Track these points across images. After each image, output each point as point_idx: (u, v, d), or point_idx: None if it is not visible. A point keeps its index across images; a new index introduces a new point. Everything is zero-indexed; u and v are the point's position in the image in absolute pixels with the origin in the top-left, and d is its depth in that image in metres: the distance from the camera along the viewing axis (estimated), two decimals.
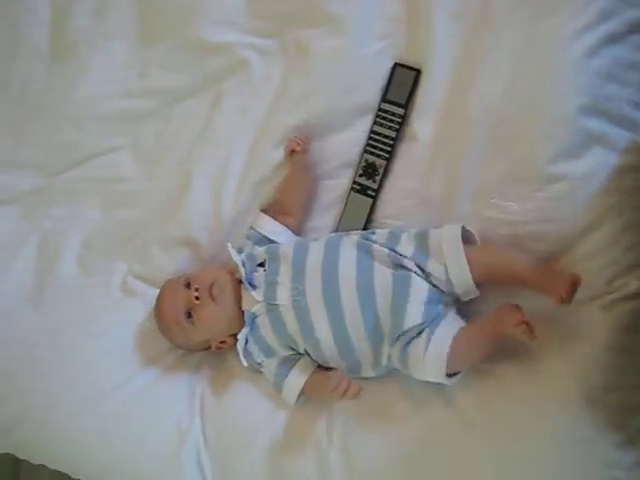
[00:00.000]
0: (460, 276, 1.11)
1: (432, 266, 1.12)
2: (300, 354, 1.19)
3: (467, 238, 1.14)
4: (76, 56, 1.38)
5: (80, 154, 1.38)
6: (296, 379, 1.17)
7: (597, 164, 1.09)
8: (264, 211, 1.27)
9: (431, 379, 1.10)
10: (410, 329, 1.10)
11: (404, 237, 1.16)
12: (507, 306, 1.08)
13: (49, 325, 1.30)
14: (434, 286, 1.13)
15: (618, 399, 1.06)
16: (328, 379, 1.12)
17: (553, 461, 1.05)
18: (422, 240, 1.14)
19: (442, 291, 1.13)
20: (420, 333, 1.10)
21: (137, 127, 1.36)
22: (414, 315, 1.10)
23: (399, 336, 1.11)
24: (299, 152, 1.24)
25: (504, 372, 1.12)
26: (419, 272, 1.12)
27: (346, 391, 1.09)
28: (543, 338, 1.10)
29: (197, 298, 1.18)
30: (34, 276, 1.35)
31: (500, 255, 1.13)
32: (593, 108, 1.08)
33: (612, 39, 1.08)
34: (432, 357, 1.07)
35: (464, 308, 1.17)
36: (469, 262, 1.10)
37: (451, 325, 1.11)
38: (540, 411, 1.08)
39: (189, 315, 1.19)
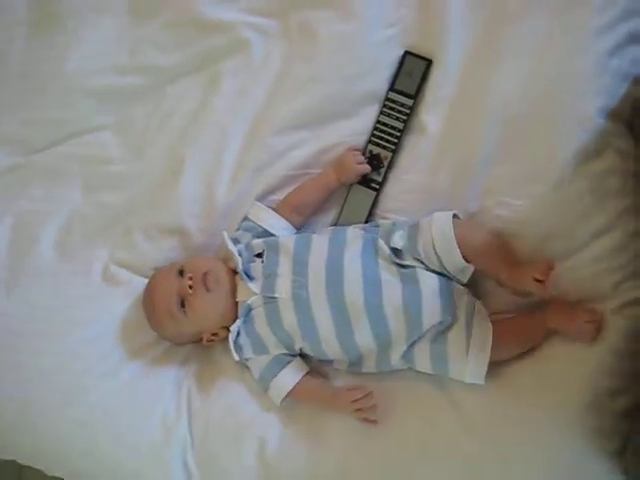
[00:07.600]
0: (449, 254, 1.08)
1: (423, 252, 1.09)
2: (292, 355, 1.16)
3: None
4: (62, 28, 1.29)
5: (63, 131, 1.31)
6: (286, 380, 1.14)
7: (612, 166, 1.07)
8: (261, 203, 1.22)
9: (467, 381, 1.09)
10: (430, 328, 1.08)
11: (398, 232, 1.13)
12: (569, 305, 1.09)
13: (23, 312, 1.23)
14: (439, 274, 1.10)
15: (623, 404, 1.05)
16: (347, 392, 1.12)
17: (554, 464, 1.05)
18: (413, 230, 1.12)
19: (448, 277, 1.11)
20: (448, 329, 1.08)
21: (126, 106, 1.29)
22: (432, 313, 1.08)
23: (420, 337, 1.09)
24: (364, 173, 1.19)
25: (509, 374, 1.11)
26: (421, 265, 1.10)
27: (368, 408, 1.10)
28: (549, 341, 1.11)
29: (191, 287, 1.12)
30: (7, 259, 1.27)
31: (488, 237, 1.10)
32: (610, 109, 1.06)
33: (634, 38, 1.06)
34: (474, 361, 1.07)
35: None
36: (457, 238, 1.08)
37: (484, 323, 1.10)
38: (543, 414, 1.07)
39: (182, 305, 1.13)
